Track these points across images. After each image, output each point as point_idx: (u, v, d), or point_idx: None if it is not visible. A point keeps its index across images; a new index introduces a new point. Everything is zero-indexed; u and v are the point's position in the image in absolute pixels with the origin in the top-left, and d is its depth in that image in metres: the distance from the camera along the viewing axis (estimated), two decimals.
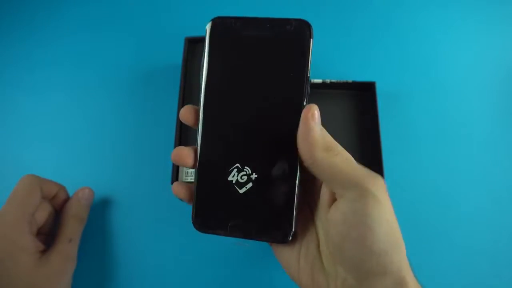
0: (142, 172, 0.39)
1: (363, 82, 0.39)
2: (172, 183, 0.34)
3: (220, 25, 0.23)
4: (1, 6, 0.46)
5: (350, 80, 0.39)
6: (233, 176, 0.23)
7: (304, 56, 0.22)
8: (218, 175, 0.23)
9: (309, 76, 0.22)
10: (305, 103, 0.22)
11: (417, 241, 0.36)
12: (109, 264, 0.36)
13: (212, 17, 0.23)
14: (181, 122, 0.36)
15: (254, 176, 0.23)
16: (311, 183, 0.24)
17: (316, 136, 0.20)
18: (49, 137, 0.40)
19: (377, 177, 0.20)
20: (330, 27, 0.45)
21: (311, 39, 0.22)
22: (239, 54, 0.23)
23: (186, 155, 0.23)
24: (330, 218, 0.21)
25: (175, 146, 0.35)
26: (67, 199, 0.35)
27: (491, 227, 0.37)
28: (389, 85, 0.42)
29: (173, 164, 0.34)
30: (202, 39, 0.41)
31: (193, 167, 0.24)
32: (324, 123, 0.22)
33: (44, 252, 0.30)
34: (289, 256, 0.23)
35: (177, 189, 0.24)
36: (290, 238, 0.22)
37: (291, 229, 0.22)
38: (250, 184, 0.23)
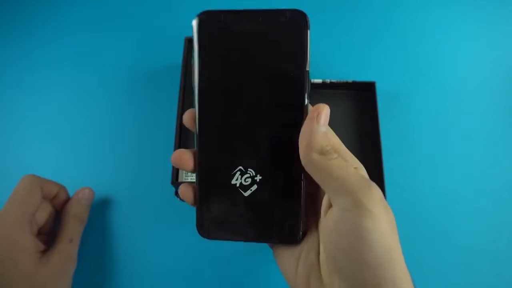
0: (142, 172, 0.39)
1: (363, 82, 0.39)
2: (172, 183, 0.34)
3: (208, 20, 0.21)
4: (1, 6, 0.46)
5: (350, 80, 0.39)
6: (236, 179, 0.22)
7: (302, 49, 0.21)
8: (221, 179, 0.22)
9: (308, 71, 0.21)
10: (306, 99, 0.21)
11: (417, 241, 0.36)
12: (109, 264, 0.36)
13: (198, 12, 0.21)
14: (181, 122, 0.36)
15: (258, 177, 0.22)
16: (316, 189, 0.23)
17: (314, 138, 0.20)
18: (49, 137, 0.40)
19: (372, 187, 0.19)
20: (330, 27, 0.45)
21: (308, 30, 0.21)
22: (231, 51, 0.21)
23: (185, 158, 0.23)
24: (325, 225, 0.21)
25: (175, 146, 0.35)
26: (67, 199, 0.35)
27: (491, 227, 0.37)
28: (389, 85, 0.42)
29: None
30: None
31: (193, 172, 0.23)
32: None
33: (44, 252, 0.30)
34: (289, 261, 0.23)
35: (185, 192, 0.23)
36: (300, 238, 0.22)
37: (300, 229, 0.22)
38: (255, 186, 0.22)
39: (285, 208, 0.22)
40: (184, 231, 0.36)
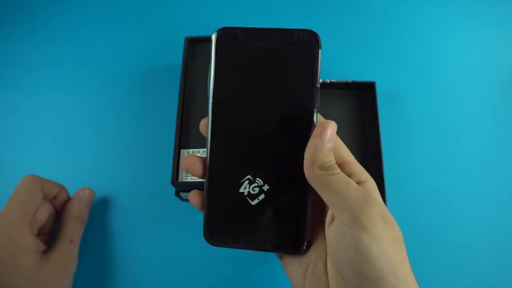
0: (142, 172, 0.39)
1: (363, 82, 0.39)
2: (172, 183, 0.34)
3: (226, 36, 0.23)
4: (1, 6, 0.46)
5: (350, 80, 0.39)
6: (244, 188, 0.23)
7: (312, 67, 0.22)
8: (229, 187, 0.23)
9: (318, 87, 0.22)
10: (315, 114, 0.22)
11: (417, 241, 0.36)
12: (109, 264, 0.36)
13: (217, 26, 0.23)
14: (181, 122, 0.36)
15: (266, 187, 0.23)
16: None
17: (317, 153, 0.20)
18: (49, 137, 0.40)
19: (372, 203, 0.20)
20: (330, 27, 0.45)
21: (320, 50, 0.22)
22: (246, 65, 0.23)
23: (195, 163, 0.23)
24: (329, 237, 0.21)
25: (175, 146, 0.35)
26: (67, 199, 0.35)
27: (492, 227, 0.37)
28: (389, 85, 0.42)
29: (173, 164, 0.34)
30: (202, 39, 0.41)
31: (202, 177, 0.24)
32: None
33: (45, 252, 0.30)
34: (297, 271, 0.23)
35: (194, 199, 0.24)
36: (305, 248, 0.22)
37: (305, 239, 0.22)
38: (262, 196, 0.23)
39: (291, 218, 0.23)
40: (184, 231, 0.36)
